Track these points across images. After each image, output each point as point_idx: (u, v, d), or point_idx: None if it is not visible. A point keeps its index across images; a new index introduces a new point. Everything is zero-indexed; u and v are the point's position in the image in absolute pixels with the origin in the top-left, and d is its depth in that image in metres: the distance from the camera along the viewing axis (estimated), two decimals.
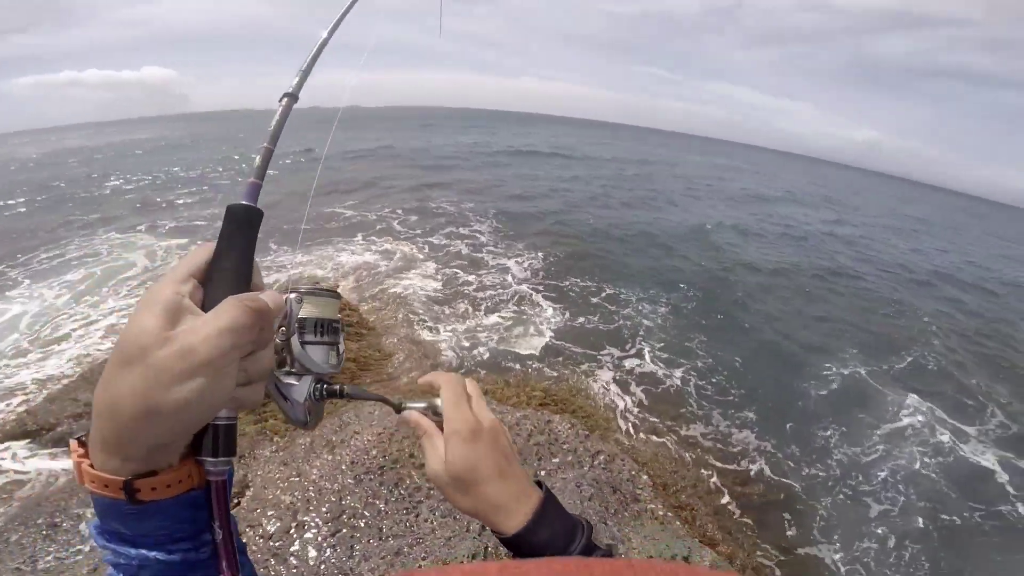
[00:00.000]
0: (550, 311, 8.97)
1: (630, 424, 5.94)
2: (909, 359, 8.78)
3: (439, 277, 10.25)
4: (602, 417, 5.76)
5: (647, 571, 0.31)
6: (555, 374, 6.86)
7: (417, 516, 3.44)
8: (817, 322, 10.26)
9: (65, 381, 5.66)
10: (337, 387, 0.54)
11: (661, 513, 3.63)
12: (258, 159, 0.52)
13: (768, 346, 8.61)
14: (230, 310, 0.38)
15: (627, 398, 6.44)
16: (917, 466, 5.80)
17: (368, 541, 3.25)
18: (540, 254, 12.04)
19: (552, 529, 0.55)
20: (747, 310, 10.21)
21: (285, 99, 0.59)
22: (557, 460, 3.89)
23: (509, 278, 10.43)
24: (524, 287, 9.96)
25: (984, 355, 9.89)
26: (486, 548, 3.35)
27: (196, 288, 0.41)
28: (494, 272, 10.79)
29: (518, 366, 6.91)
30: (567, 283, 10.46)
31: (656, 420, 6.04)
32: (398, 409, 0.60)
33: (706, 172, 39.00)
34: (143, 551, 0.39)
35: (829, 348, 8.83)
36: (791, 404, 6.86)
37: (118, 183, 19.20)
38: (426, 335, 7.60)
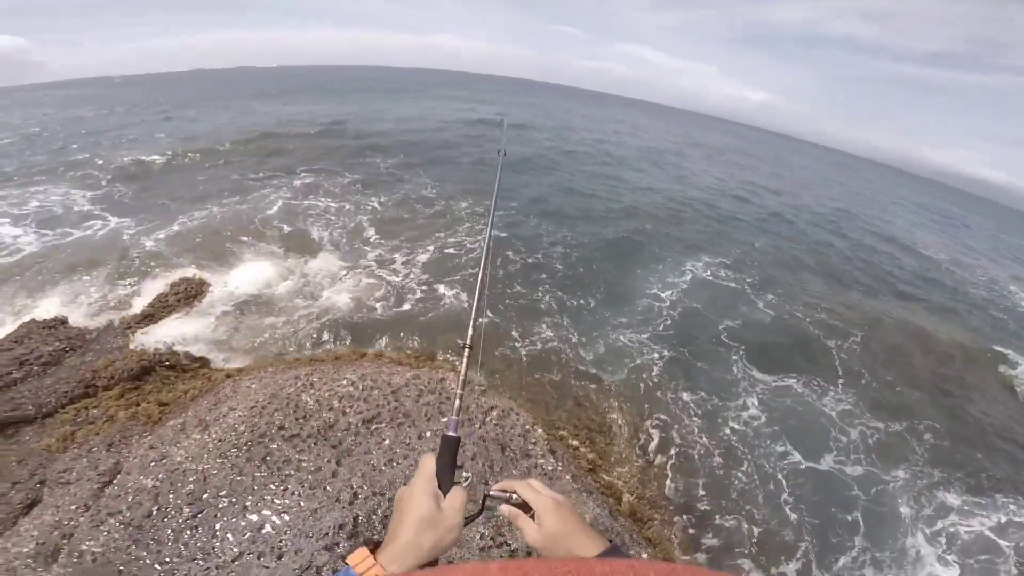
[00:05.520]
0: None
1: None
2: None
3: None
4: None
5: (647, 571, 0.33)
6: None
7: (286, 490, 3.24)
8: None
9: None
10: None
11: (550, 468, 3.33)
12: (457, 403, 1.01)
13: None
14: (459, 497, 0.83)
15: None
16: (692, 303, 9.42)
17: (230, 519, 3.08)
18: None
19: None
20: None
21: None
22: (446, 419, 3.60)
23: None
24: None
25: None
26: (356, 518, 3.14)
27: (435, 487, 0.84)
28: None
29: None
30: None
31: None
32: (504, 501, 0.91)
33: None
34: None
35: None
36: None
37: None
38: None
